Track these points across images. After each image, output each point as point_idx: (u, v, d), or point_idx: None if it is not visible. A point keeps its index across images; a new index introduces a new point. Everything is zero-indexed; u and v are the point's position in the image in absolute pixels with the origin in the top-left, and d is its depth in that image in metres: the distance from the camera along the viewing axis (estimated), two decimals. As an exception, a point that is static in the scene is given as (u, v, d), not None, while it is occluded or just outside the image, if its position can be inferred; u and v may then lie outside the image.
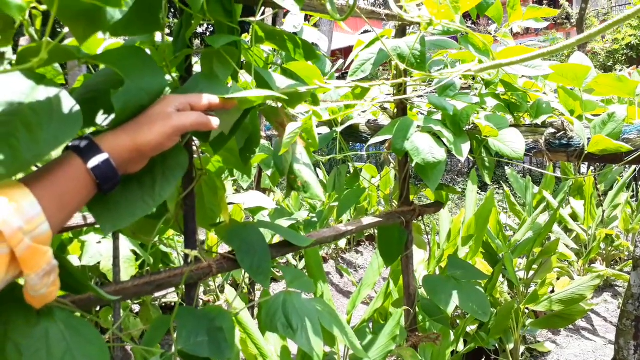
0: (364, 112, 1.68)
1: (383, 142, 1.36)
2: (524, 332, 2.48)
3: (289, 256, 3.78)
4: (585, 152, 1.17)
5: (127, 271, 2.02)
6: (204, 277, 0.88)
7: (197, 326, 0.77)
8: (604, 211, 3.60)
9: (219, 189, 0.96)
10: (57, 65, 0.88)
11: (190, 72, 0.83)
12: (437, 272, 2.44)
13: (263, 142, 1.72)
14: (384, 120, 1.74)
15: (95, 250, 2.00)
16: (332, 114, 1.47)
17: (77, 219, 1.17)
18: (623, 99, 1.58)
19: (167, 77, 0.75)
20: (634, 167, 3.76)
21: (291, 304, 0.89)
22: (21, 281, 0.51)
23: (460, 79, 1.25)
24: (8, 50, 0.75)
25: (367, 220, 1.33)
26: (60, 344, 0.55)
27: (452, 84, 1.24)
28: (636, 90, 1.25)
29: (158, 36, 0.81)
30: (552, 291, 2.65)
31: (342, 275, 4.04)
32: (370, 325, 2.08)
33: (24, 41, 0.92)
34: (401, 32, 1.28)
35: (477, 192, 3.04)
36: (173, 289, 0.89)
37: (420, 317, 1.62)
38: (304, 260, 3.39)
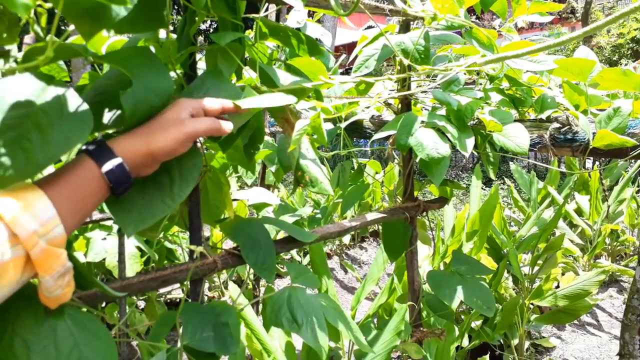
0: (367, 107, 1.68)
1: (387, 138, 1.36)
2: (528, 328, 2.47)
3: (293, 252, 3.78)
4: (590, 147, 1.17)
5: (133, 267, 2.04)
6: (209, 273, 0.89)
7: (203, 321, 0.78)
8: (609, 206, 3.58)
9: (224, 185, 0.96)
10: (61, 62, 0.89)
11: (194, 68, 0.83)
12: (442, 268, 2.44)
13: (267, 138, 1.72)
14: (388, 115, 1.73)
15: (100, 247, 2.02)
16: (335, 109, 1.46)
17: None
18: (628, 94, 1.57)
19: (172, 74, 0.75)
20: (639, 161, 3.74)
21: (296, 299, 0.89)
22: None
23: (465, 74, 1.25)
24: (13, 48, 0.76)
25: (371, 216, 1.33)
26: (67, 340, 0.55)
27: (456, 79, 1.24)
28: (642, 84, 1.24)
29: (162, 33, 0.82)
30: (557, 286, 2.64)
31: (346, 271, 4.04)
32: (375, 320, 2.08)
33: (28, 39, 0.92)
34: (405, 28, 1.28)
35: (482, 188, 3.03)
36: (178, 285, 0.89)
37: (425, 313, 1.62)
38: (308, 256, 3.39)
